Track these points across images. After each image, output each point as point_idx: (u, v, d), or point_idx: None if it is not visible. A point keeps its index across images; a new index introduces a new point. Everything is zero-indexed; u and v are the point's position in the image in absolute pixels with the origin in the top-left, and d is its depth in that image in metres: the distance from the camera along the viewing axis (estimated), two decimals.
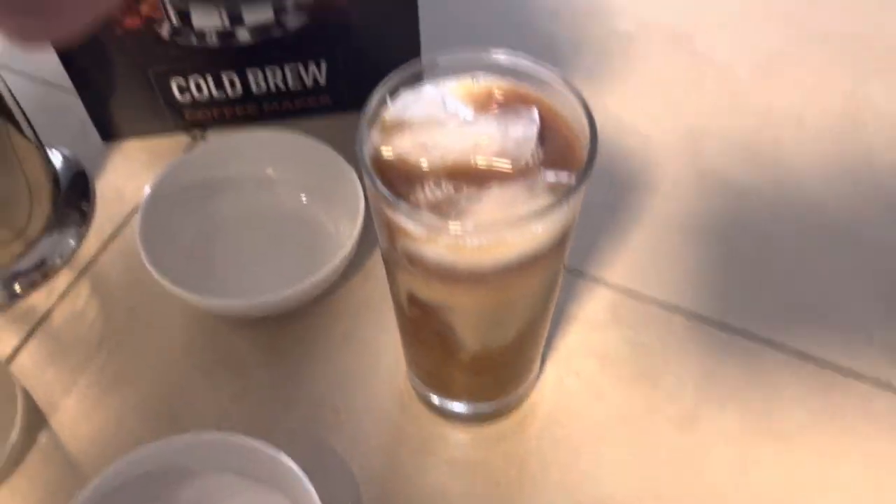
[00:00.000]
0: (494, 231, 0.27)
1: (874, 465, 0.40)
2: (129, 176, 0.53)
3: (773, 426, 0.42)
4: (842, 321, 0.45)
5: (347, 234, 0.45)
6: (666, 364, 0.44)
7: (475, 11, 0.62)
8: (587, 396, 0.43)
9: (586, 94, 0.30)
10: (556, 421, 0.42)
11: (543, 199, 0.28)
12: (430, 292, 0.33)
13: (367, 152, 0.30)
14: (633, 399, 0.43)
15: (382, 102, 0.31)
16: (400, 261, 0.31)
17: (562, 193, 0.28)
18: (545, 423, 0.42)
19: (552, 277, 0.34)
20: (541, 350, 0.41)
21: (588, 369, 0.44)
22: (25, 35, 0.18)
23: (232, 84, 0.52)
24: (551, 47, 0.59)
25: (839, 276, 0.47)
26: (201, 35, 0.48)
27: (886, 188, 0.51)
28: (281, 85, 0.52)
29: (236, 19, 0.47)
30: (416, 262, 0.30)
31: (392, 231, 0.30)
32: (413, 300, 0.34)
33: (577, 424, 0.42)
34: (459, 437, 0.42)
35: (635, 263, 0.48)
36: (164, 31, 0.48)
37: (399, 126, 0.30)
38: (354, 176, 0.46)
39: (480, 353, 0.38)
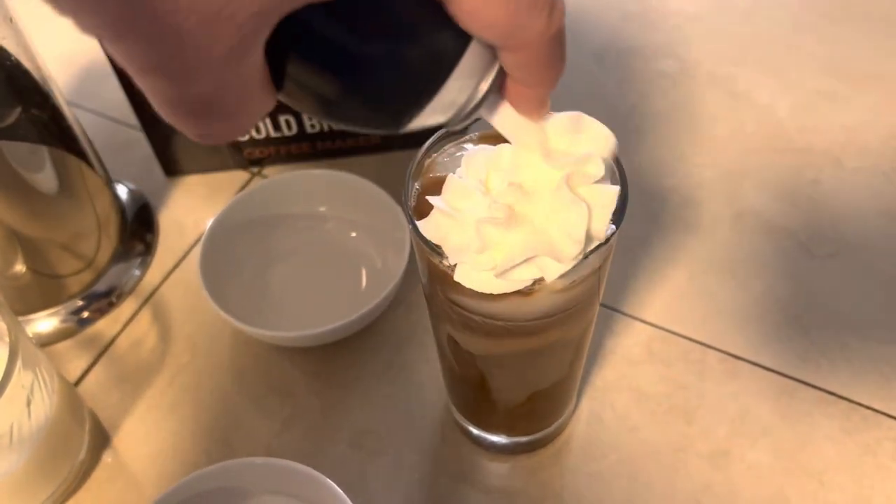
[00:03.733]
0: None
1: None
2: (189, 210, 0.57)
3: (804, 464, 0.43)
4: (876, 362, 0.46)
5: (394, 268, 0.47)
6: (700, 400, 0.45)
7: None
8: (621, 430, 0.44)
9: (628, 134, 0.32)
10: (590, 453, 0.44)
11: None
12: (469, 337, 0.35)
13: (410, 203, 0.32)
14: (667, 434, 0.44)
15: (427, 156, 0.33)
16: (441, 303, 0.33)
17: (595, 248, 0.30)
18: (580, 456, 0.44)
19: (586, 323, 0.36)
20: (577, 387, 0.43)
21: (623, 403, 0.45)
22: (212, 138, 0.22)
23: (288, 125, 0.54)
24: (595, 87, 0.61)
25: (875, 317, 0.48)
26: None
27: None
28: (333, 126, 0.55)
29: None
30: (455, 306, 0.32)
31: (433, 275, 0.32)
32: (453, 341, 0.36)
33: (611, 457, 0.43)
34: (497, 468, 0.44)
35: (671, 301, 0.49)
36: None
37: (437, 182, 0.33)
38: (400, 213, 0.48)
39: (518, 394, 0.40)
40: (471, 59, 0.23)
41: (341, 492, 0.39)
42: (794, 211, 0.53)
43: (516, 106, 0.26)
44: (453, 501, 0.43)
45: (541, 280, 0.29)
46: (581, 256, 0.28)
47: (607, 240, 0.30)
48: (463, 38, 0.22)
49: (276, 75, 0.22)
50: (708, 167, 0.56)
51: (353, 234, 0.52)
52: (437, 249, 0.29)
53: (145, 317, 0.51)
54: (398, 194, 0.46)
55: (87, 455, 0.45)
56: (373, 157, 0.57)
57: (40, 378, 0.40)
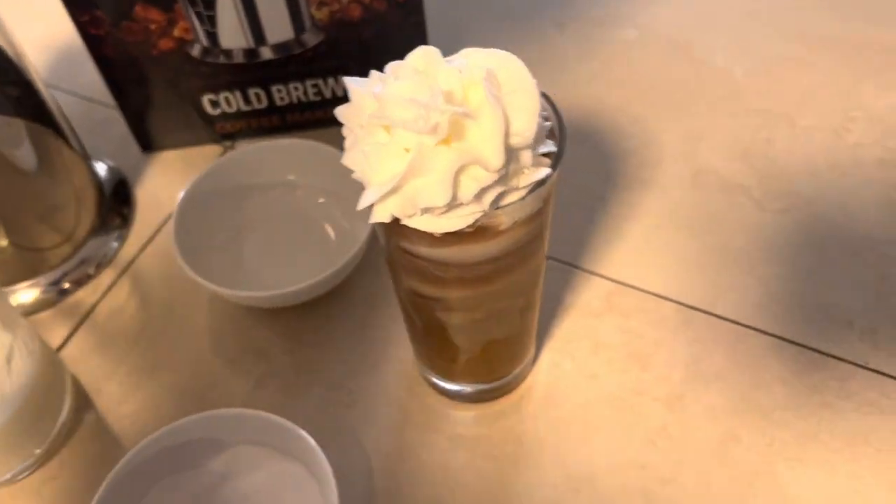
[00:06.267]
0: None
1: (850, 441, 0.43)
2: (166, 184, 0.58)
3: (754, 404, 0.45)
4: (825, 308, 0.48)
5: (360, 231, 0.49)
6: (656, 348, 0.47)
7: (483, 23, 0.66)
8: (580, 378, 0.46)
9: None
10: (550, 400, 0.46)
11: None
12: (423, 285, 0.37)
13: None
14: (624, 380, 0.46)
15: None
16: (394, 250, 0.35)
17: (532, 185, 0.32)
18: (541, 402, 0.46)
19: (534, 269, 0.38)
20: (533, 335, 0.45)
21: (582, 353, 0.47)
22: None
23: (258, 98, 0.56)
24: (557, 56, 0.63)
25: (824, 265, 0.50)
26: (229, 54, 0.53)
27: (874, 183, 0.53)
28: (302, 98, 0.56)
29: (260, 39, 0.52)
30: (406, 254, 0.34)
31: (387, 229, 0.34)
32: (410, 291, 0.38)
33: (571, 403, 0.45)
34: (461, 415, 0.46)
35: (630, 256, 0.51)
36: (196, 51, 0.53)
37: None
38: None
39: (476, 340, 0.41)
40: None
41: (311, 439, 0.41)
42: (748, 169, 0.55)
43: None
44: (420, 448, 0.45)
45: (483, 216, 0.31)
46: (513, 178, 0.30)
47: (545, 180, 0.31)
48: None
49: None
50: (666, 130, 0.58)
51: (322, 200, 0.54)
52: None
53: (124, 286, 0.53)
54: None
55: (69, 416, 0.46)
56: (340, 127, 0.58)
57: (20, 340, 0.42)
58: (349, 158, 0.31)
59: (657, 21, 0.65)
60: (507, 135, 0.29)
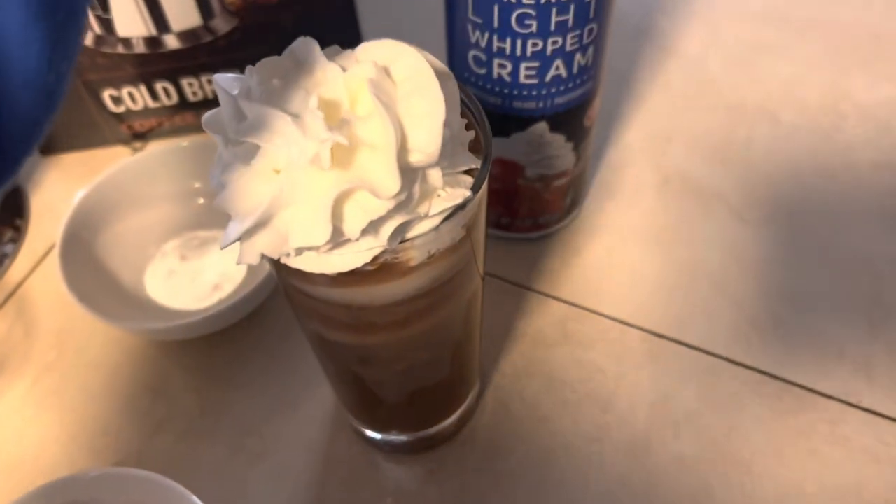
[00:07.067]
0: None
1: (842, 496, 0.37)
2: (65, 191, 0.51)
3: (731, 452, 0.38)
4: (812, 337, 0.42)
5: None
6: (617, 384, 0.41)
7: (414, 8, 0.59)
8: (531, 421, 0.40)
9: None
10: (496, 449, 0.39)
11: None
12: (332, 331, 0.30)
13: None
14: (581, 424, 0.40)
15: None
16: (289, 289, 0.28)
17: (448, 210, 0.25)
18: (485, 452, 0.39)
19: (461, 313, 0.31)
20: (473, 376, 0.38)
21: (533, 391, 0.41)
22: None
23: (167, 93, 0.49)
24: None
25: (811, 288, 0.44)
26: (127, 43, 0.46)
27: (866, 189, 0.47)
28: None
29: (163, 26, 0.45)
30: (303, 295, 0.27)
31: (275, 264, 0.27)
32: (318, 338, 0.31)
33: (519, 452, 0.39)
34: (391, 469, 0.39)
35: (588, 276, 0.45)
36: (88, 40, 0.45)
37: None
38: None
39: (401, 390, 0.35)
40: None
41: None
42: (724, 173, 0.49)
43: None
44: None
45: (384, 253, 0.24)
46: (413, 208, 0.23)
47: (464, 205, 0.25)
48: None
49: None
50: (632, 129, 0.51)
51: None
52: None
53: (9, 311, 0.46)
54: None
55: None
56: None
57: None
58: (211, 179, 0.24)
59: (622, 3, 0.58)
60: (403, 151, 0.22)
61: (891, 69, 0.53)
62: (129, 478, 0.36)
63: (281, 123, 0.21)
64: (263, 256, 0.24)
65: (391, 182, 0.22)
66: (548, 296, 0.44)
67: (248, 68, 0.25)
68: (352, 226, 0.22)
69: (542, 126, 0.40)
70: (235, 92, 0.24)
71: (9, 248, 0.49)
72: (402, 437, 0.39)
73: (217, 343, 0.43)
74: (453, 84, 0.25)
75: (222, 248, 0.23)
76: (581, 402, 0.40)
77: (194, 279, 0.45)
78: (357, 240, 0.23)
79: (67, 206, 0.49)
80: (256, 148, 0.23)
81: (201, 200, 0.47)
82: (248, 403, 0.41)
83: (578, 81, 0.38)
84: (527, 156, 0.41)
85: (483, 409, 0.40)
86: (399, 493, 0.38)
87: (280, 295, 0.44)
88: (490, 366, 0.42)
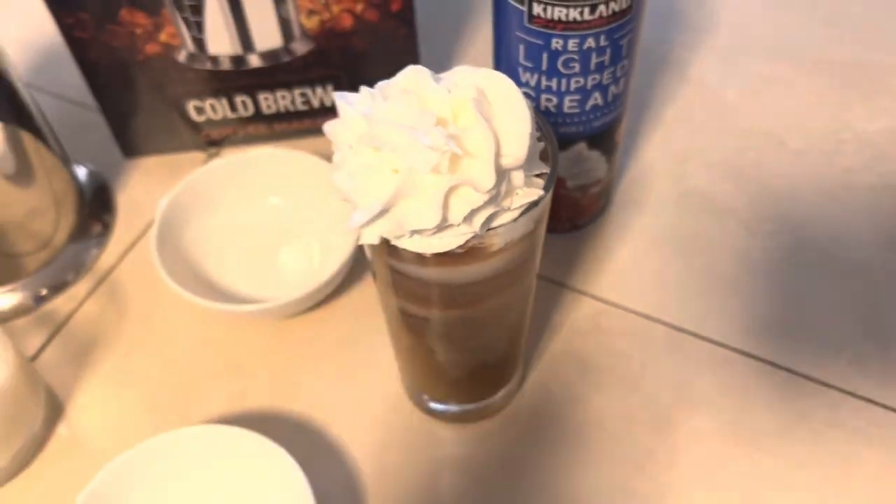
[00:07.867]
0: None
1: (839, 470, 0.43)
2: (148, 190, 0.57)
3: (742, 430, 0.44)
4: (812, 333, 0.48)
5: (346, 245, 0.48)
6: (643, 370, 0.47)
7: (472, 34, 0.66)
8: (567, 400, 0.46)
9: None
10: (537, 423, 0.45)
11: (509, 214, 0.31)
12: (415, 306, 0.36)
13: None
14: (611, 403, 0.45)
15: None
16: (382, 268, 0.34)
17: (525, 206, 0.31)
18: (527, 425, 0.45)
19: (524, 292, 0.37)
20: (520, 357, 0.44)
21: (568, 375, 0.47)
22: None
23: (245, 106, 0.55)
24: None
25: (812, 291, 0.49)
26: (215, 60, 0.52)
27: (863, 209, 0.53)
28: (290, 107, 0.55)
29: (248, 46, 0.51)
30: (396, 273, 0.33)
31: (376, 248, 0.33)
32: (399, 311, 0.37)
33: (557, 426, 0.45)
34: (446, 435, 0.45)
35: (618, 277, 0.51)
36: (182, 56, 0.52)
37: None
38: None
39: (464, 361, 0.41)
40: None
41: (290, 457, 0.40)
42: (736, 190, 0.55)
43: None
44: (404, 468, 0.44)
45: (475, 237, 0.30)
46: (507, 201, 0.29)
47: (537, 202, 0.31)
48: None
49: None
50: (655, 148, 0.57)
51: (307, 212, 0.53)
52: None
53: (102, 294, 0.52)
54: None
55: (41, 427, 0.45)
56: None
57: None
58: (337, 177, 0.30)
59: (647, 38, 0.65)
60: (498, 156, 0.28)
61: (888, 103, 0.59)
62: (223, 433, 0.42)
63: (406, 136, 0.27)
64: (379, 239, 0.30)
65: (489, 179, 0.28)
66: (581, 292, 0.50)
67: (364, 89, 0.31)
68: (455, 214, 0.28)
69: (581, 146, 0.46)
70: (359, 107, 0.30)
71: (99, 240, 0.54)
72: (456, 408, 0.44)
73: (291, 327, 0.49)
74: (530, 105, 0.31)
75: (349, 231, 0.29)
76: (611, 385, 0.46)
77: (268, 270, 0.51)
78: (458, 225, 0.29)
79: (150, 203, 0.55)
80: (377, 153, 0.29)
81: (283, 202, 0.53)
82: (318, 379, 0.47)
83: (612, 107, 0.45)
84: (568, 170, 0.48)
85: (526, 388, 0.46)
86: (450, 457, 0.44)
87: (345, 287, 0.50)
88: (532, 352, 0.47)
